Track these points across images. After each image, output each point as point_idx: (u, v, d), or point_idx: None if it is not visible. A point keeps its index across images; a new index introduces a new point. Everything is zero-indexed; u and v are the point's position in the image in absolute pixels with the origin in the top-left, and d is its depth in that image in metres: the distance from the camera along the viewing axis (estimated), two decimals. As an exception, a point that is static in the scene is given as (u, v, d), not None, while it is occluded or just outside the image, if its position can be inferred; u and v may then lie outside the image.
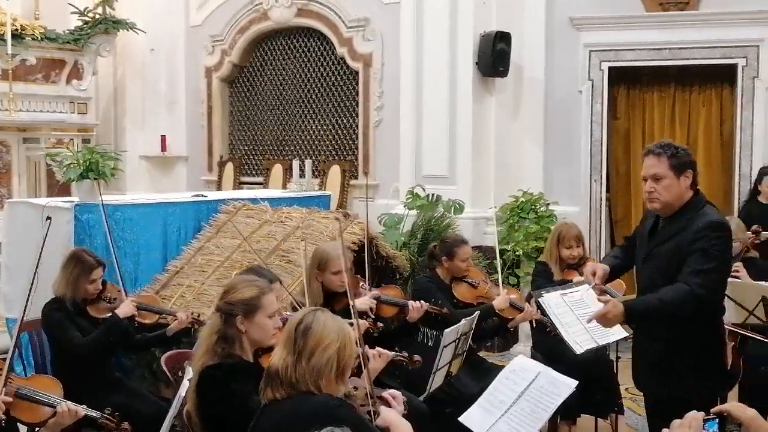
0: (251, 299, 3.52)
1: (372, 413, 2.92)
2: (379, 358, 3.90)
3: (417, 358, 4.24)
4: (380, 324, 4.78)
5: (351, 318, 4.61)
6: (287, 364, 2.80)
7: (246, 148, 10.96)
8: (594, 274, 3.98)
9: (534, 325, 5.70)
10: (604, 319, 3.66)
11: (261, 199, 6.74)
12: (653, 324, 3.80)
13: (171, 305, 5.67)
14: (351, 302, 3.48)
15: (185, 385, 3.07)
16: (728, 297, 5.07)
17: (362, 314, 4.76)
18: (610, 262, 4.15)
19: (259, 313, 3.49)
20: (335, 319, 2.92)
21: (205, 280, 5.98)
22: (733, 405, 2.44)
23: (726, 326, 5.18)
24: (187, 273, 6.17)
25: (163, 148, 11.24)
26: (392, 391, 3.11)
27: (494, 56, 8.08)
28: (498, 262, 5.72)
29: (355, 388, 3.02)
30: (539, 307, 4.49)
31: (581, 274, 5.48)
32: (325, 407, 2.74)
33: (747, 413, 2.38)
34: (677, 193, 3.74)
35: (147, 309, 5.15)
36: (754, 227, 5.99)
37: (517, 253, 7.96)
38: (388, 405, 3.05)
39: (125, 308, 4.91)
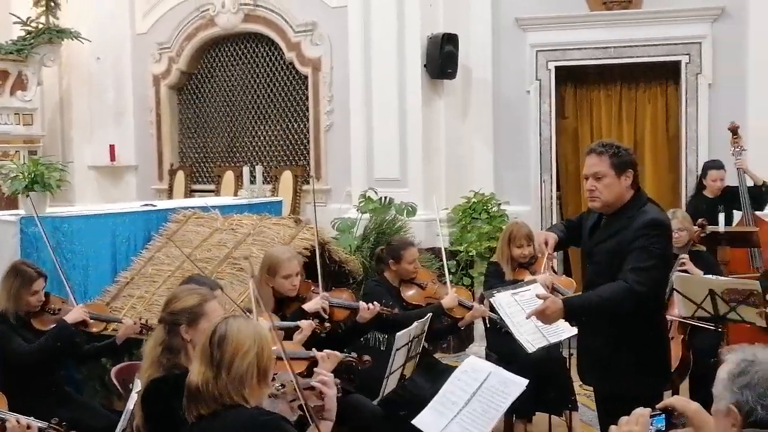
0: (194, 307, 3.49)
1: (304, 406, 2.90)
2: (327, 359, 3.90)
3: (366, 357, 4.25)
4: (327, 324, 4.77)
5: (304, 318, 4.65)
6: (207, 379, 2.74)
7: (196, 155, 10.88)
8: (546, 243, 4.03)
9: (488, 324, 5.74)
10: (543, 316, 3.69)
11: (211, 207, 6.69)
12: (594, 320, 3.85)
13: (122, 316, 5.59)
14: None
15: (133, 398, 3.04)
16: (677, 291, 5.18)
17: (315, 315, 4.76)
18: (558, 233, 4.17)
19: (203, 321, 3.46)
20: (248, 322, 2.87)
21: (156, 290, 5.91)
22: (677, 399, 2.47)
23: (676, 319, 5.29)
24: (138, 284, 6.10)
25: (112, 157, 11.10)
26: (320, 377, 3.09)
27: (442, 58, 8.11)
28: (446, 262, 5.72)
29: (282, 385, 3.00)
30: (491, 307, 4.52)
31: (532, 273, 5.55)
32: (254, 422, 2.71)
33: (690, 407, 2.41)
34: (617, 192, 3.78)
35: (96, 318, 5.09)
36: (700, 221, 6.08)
37: (470, 254, 8.01)
38: (320, 394, 3.02)
39: (75, 314, 4.86)
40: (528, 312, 3.76)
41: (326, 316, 4.80)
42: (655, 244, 3.66)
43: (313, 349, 4.13)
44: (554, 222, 8.44)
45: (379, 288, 5.39)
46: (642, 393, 3.48)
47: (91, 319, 5.03)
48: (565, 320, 3.88)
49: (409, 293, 5.46)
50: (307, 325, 4.54)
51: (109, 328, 5.17)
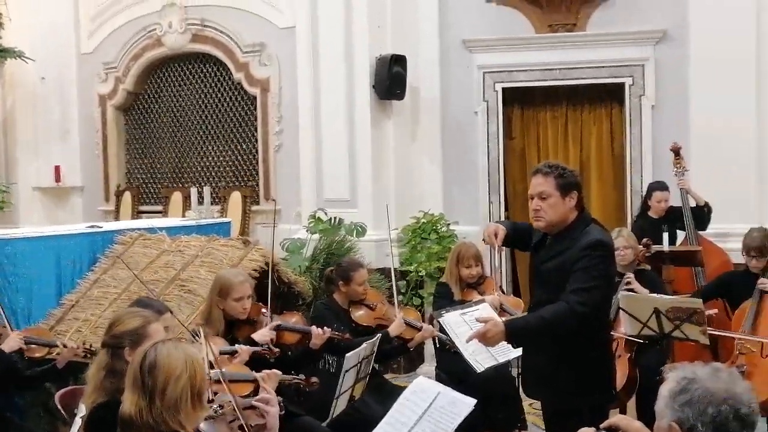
0: (137, 329, 3.44)
1: (245, 426, 2.87)
2: (268, 379, 3.88)
3: (314, 379, 4.24)
4: (276, 350, 4.74)
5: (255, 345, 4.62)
6: (141, 408, 2.68)
7: (144, 176, 10.77)
8: (496, 235, 4.06)
9: (437, 345, 5.75)
10: (485, 338, 3.71)
11: (158, 228, 6.63)
12: (536, 341, 3.88)
13: (67, 340, 5.50)
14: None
15: (77, 423, 2.99)
16: (623, 310, 5.26)
17: (263, 346, 4.73)
18: (508, 228, 4.19)
19: (146, 343, 3.41)
20: (177, 346, 2.82)
21: (102, 313, 5.83)
22: (620, 418, 2.50)
23: (622, 337, 5.36)
24: (83, 306, 6.01)
25: (57, 178, 10.94)
26: (261, 396, 3.06)
27: (390, 79, 8.15)
28: (395, 283, 5.74)
29: (221, 406, 2.97)
30: (440, 327, 4.53)
31: (481, 293, 5.59)
32: None
33: (634, 425, 2.43)
34: (562, 213, 3.84)
35: (34, 342, 5.01)
36: (645, 241, 6.17)
37: (420, 274, 8.03)
38: (261, 413, 2.99)
39: (11, 342, 4.78)
40: (469, 335, 3.77)
41: (273, 348, 4.77)
42: (598, 265, 3.72)
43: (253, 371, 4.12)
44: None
45: (327, 311, 5.37)
46: (585, 409, 3.56)
47: (30, 344, 4.94)
48: (508, 342, 3.90)
49: (359, 314, 5.46)
50: (245, 351, 4.50)
51: (53, 352, 5.08)
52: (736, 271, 6.48)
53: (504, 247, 4.13)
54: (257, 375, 3.83)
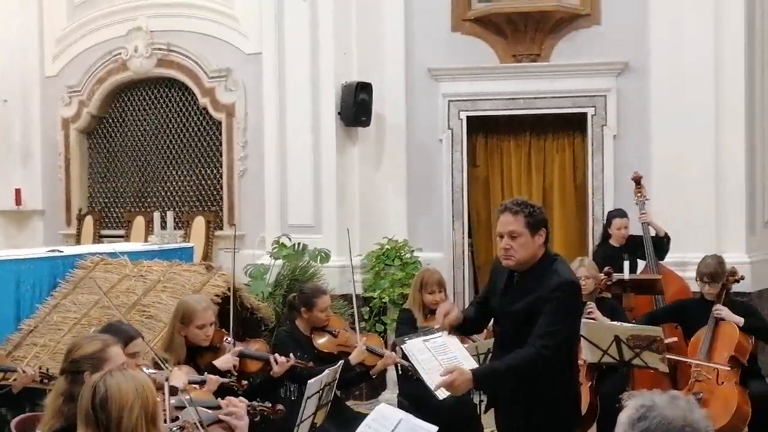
0: (96, 353, 3.39)
1: None
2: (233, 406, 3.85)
3: (279, 407, 4.22)
4: (245, 382, 4.72)
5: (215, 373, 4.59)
6: None
7: (106, 200, 10.68)
8: (445, 315, 4.04)
9: (399, 371, 5.75)
10: (452, 387, 3.73)
11: (120, 253, 6.58)
12: (504, 387, 3.94)
13: (25, 366, 5.42)
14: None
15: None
16: (583, 337, 5.29)
17: (225, 373, 4.69)
18: (468, 314, 4.21)
19: (106, 367, 3.37)
20: (126, 375, 2.79)
21: (61, 338, 5.76)
22: None
23: (583, 363, 5.40)
24: (42, 332, 5.94)
25: (18, 201, 10.81)
26: (229, 409, 3.03)
27: (356, 106, 8.19)
28: (356, 310, 5.74)
29: (181, 428, 2.94)
30: (403, 354, 4.53)
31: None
32: None
33: None
34: (532, 251, 3.83)
35: None
36: (607, 269, 6.23)
37: (384, 300, 8.03)
38: (230, 427, 2.97)
39: None
40: (435, 385, 3.77)
41: (235, 374, 4.74)
42: (566, 307, 3.76)
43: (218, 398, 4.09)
44: (466, 267, 8.58)
45: (288, 338, 5.32)
46: None
47: None
48: (476, 390, 3.94)
49: (321, 341, 5.43)
50: (213, 380, 4.47)
51: (9, 377, 5.00)
52: (691, 298, 6.57)
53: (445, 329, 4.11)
54: (221, 402, 3.79)
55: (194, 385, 4.34)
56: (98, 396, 2.70)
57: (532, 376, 3.74)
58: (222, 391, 4.44)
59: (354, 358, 5.24)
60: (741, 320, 5.75)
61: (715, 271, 5.91)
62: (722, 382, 5.54)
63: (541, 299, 3.75)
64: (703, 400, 5.38)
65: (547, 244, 3.95)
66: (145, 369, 4.00)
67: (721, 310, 5.77)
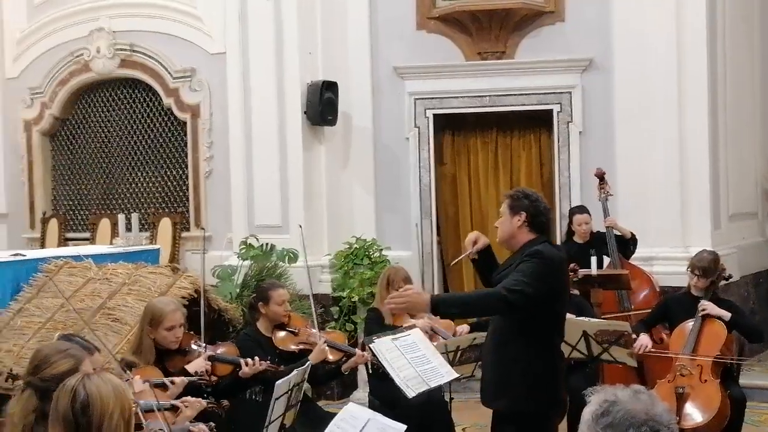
0: (69, 372, 3.31)
1: None
2: (187, 407, 3.83)
3: (225, 402, 4.28)
4: (214, 378, 4.69)
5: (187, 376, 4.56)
6: None
7: (70, 203, 10.55)
8: (474, 244, 4.30)
9: (369, 370, 5.72)
10: (408, 304, 4.03)
11: (84, 256, 6.50)
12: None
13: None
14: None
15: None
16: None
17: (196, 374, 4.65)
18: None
19: None
20: (104, 379, 2.75)
21: (26, 343, 5.70)
22: None
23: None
24: (6, 336, 5.87)
25: (-20, 205, 10.67)
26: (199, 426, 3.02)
27: (322, 105, 8.17)
28: (314, 307, 5.71)
29: None
30: (372, 353, 4.52)
31: (412, 318, 5.58)
32: None
33: None
34: (508, 229, 4.18)
35: None
36: (573, 266, 6.23)
37: (353, 299, 8.02)
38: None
39: None
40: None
41: (207, 378, 4.70)
42: (531, 267, 3.97)
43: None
44: (435, 265, 8.59)
45: (249, 341, 5.22)
46: (532, 415, 3.96)
47: None
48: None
49: (280, 337, 5.31)
50: (179, 382, 4.42)
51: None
52: (673, 295, 6.59)
53: (473, 259, 4.37)
54: (177, 402, 3.76)
55: (159, 389, 4.29)
56: (78, 401, 2.65)
57: (490, 313, 4.24)
58: (190, 389, 4.40)
59: (314, 357, 5.15)
60: (728, 314, 5.74)
61: (708, 267, 5.90)
62: (705, 380, 5.54)
63: (517, 263, 4.05)
64: (684, 395, 5.41)
65: (544, 234, 4.20)
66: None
67: (707, 306, 5.76)
